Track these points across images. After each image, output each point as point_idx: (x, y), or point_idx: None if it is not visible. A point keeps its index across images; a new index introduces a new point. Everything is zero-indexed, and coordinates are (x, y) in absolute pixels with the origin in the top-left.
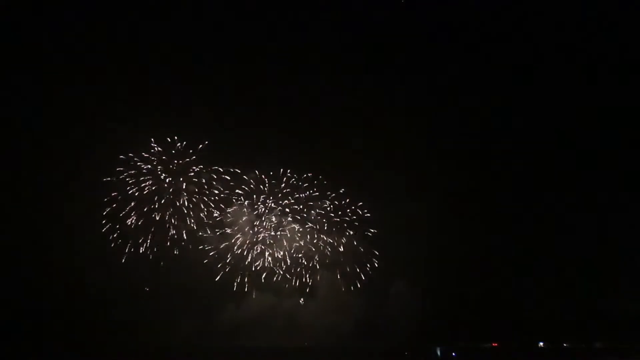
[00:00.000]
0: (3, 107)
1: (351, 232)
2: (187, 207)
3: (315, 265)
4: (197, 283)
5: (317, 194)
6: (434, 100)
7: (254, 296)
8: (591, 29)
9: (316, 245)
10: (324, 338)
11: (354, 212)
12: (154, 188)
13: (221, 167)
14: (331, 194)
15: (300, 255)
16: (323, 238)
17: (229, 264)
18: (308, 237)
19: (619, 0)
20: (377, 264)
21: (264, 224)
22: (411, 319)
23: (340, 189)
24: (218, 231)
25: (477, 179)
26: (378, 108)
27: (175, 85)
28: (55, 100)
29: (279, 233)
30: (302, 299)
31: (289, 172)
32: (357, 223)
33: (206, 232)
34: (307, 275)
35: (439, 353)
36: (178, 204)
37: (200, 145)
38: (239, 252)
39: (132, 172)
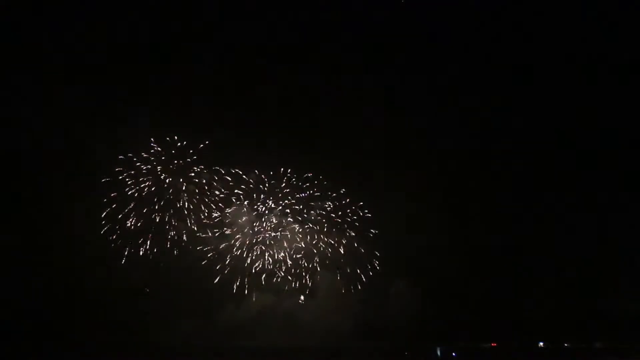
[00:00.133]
0: (3, 107)
1: (352, 234)
2: (187, 208)
3: (315, 265)
4: (197, 283)
5: (317, 194)
6: (434, 100)
7: (254, 299)
8: (591, 29)
9: (316, 246)
10: (324, 338)
11: (354, 212)
12: (153, 189)
13: (221, 167)
14: (332, 194)
15: (300, 256)
16: (323, 238)
17: (228, 264)
18: (308, 237)
19: (619, 0)
20: (377, 263)
21: (264, 224)
22: (411, 319)
23: (341, 189)
24: (217, 232)
25: (477, 179)
26: (378, 108)
27: (175, 85)
28: (55, 100)
29: (278, 234)
30: (302, 297)
31: (289, 172)
32: (358, 223)
33: (206, 233)
34: (307, 277)
35: (439, 353)
36: (179, 205)
37: (201, 145)
38: (238, 252)
39: (132, 172)
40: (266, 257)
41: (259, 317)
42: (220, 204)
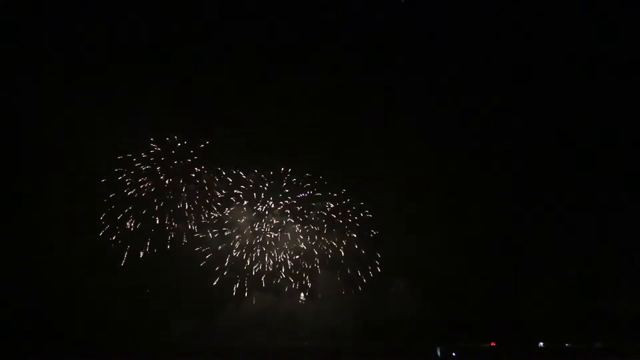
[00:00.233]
0: (3, 107)
1: (352, 235)
2: (187, 208)
3: (316, 265)
4: (197, 284)
5: (318, 194)
6: (434, 100)
7: (254, 302)
8: (591, 29)
9: (316, 246)
10: (324, 338)
11: (354, 213)
12: (153, 189)
13: (220, 167)
14: (332, 194)
15: (299, 257)
16: (323, 238)
17: (228, 265)
18: (308, 237)
19: (619, 0)
20: (378, 263)
21: (264, 225)
22: (411, 319)
23: (341, 189)
24: (217, 232)
25: (477, 179)
26: (378, 108)
27: (175, 85)
28: (56, 100)
29: (277, 234)
30: (302, 294)
31: (289, 172)
32: (358, 224)
33: (206, 233)
34: (307, 278)
35: (439, 353)
36: (179, 207)
37: (201, 145)
38: (238, 254)
39: (132, 172)
40: (266, 258)
41: (259, 318)
42: (219, 204)
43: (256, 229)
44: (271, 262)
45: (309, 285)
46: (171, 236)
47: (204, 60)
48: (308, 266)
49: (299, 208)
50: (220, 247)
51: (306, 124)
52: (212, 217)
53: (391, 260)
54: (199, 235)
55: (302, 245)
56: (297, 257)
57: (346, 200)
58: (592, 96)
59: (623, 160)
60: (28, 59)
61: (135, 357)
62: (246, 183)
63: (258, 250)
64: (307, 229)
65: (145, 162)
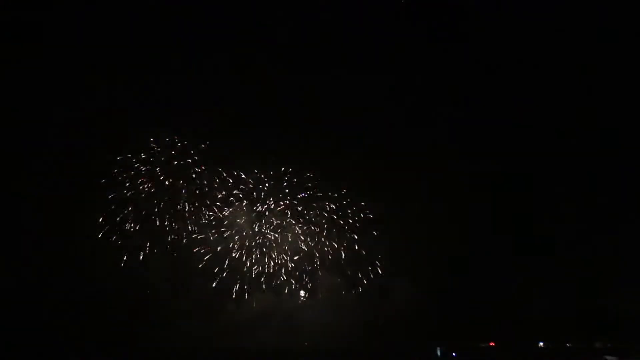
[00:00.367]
0: (3, 107)
1: (353, 235)
2: (187, 209)
3: (316, 266)
4: (197, 284)
5: (319, 194)
6: (433, 100)
7: (254, 304)
8: (591, 29)
9: (317, 246)
10: (324, 338)
11: (355, 213)
12: (152, 190)
13: (220, 168)
14: (332, 194)
15: (299, 257)
16: (323, 240)
17: (228, 266)
18: (309, 238)
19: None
20: (378, 263)
21: (264, 226)
22: (411, 319)
23: (342, 189)
24: (216, 233)
25: (477, 179)
26: (378, 108)
27: (175, 86)
28: (56, 100)
29: (277, 235)
30: (302, 292)
31: (289, 172)
32: (359, 224)
33: (205, 234)
34: (307, 279)
35: (439, 353)
36: (179, 207)
37: (202, 146)
38: (237, 255)
39: (132, 172)
40: (266, 258)
41: (259, 318)
42: (218, 204)
43: (256, 230)
44: (271, 262)
45: (309, 285)
46: (171, 237)
47: (204, 61)
48: (308, 265)
49: (299, 209)
50: (219, 247)
51: (306, 124)
52: (212, 217)
53: (391, 261)
54: (197, 236)
55: (303, 246)
56: (297, 257)
57: (346, 201)
58: (592, 96)
59: (623, 161)
60: (28, 59)
61: (135, 358)
62: (246, 183)
63: (258, 251)
64: (307, 229)
65: (144, 162)
